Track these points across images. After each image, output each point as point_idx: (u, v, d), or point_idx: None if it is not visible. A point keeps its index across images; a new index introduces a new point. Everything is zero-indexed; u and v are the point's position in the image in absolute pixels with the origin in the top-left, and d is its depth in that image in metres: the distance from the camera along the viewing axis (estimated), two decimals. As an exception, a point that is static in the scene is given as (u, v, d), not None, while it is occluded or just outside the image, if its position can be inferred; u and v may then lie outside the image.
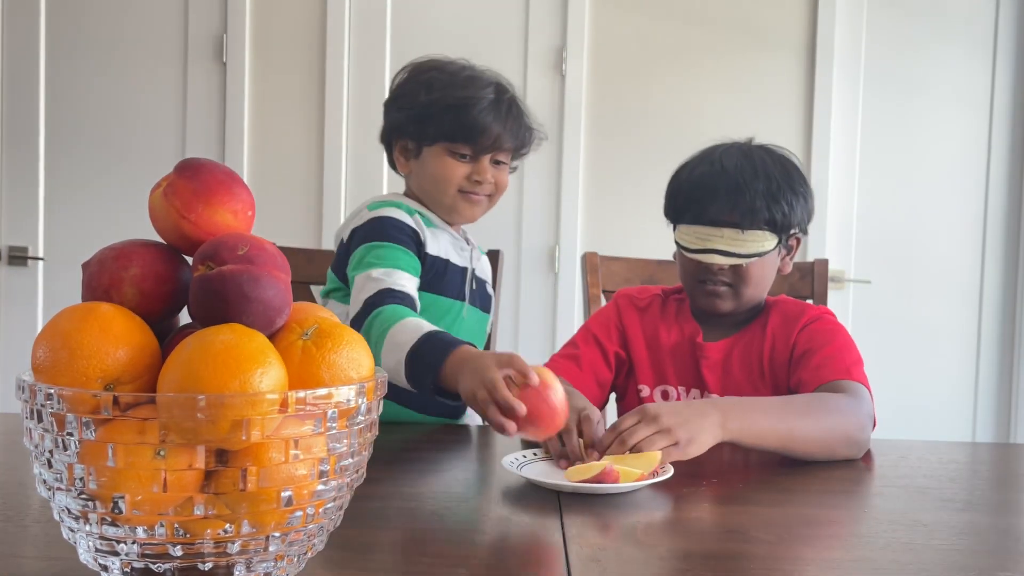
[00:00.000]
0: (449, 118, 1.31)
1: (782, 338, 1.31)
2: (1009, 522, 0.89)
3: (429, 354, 1.03)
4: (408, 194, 1.43)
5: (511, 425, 0.90)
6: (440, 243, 1.36)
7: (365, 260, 1.26)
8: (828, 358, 1.23)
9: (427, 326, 1.08)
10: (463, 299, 1.39)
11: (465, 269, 1.40)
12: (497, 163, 1.37)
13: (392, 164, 1.43)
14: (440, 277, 1.35)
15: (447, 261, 1.37)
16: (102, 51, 2.66)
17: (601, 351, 1.36)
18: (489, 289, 1.49)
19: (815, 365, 1.23)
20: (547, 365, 1.35)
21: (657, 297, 1.40)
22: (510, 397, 0.90)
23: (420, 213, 1.36)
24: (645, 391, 1.35)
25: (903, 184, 2.66)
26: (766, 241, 1.24)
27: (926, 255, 2.66)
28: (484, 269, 1.49)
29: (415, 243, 1.31)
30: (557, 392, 0.91)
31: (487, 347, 1.65)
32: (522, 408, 0.89)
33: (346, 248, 1.32)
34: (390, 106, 1.39)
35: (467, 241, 1.44)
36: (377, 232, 1.29)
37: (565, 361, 1.35)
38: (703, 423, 1.02)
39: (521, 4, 2.61)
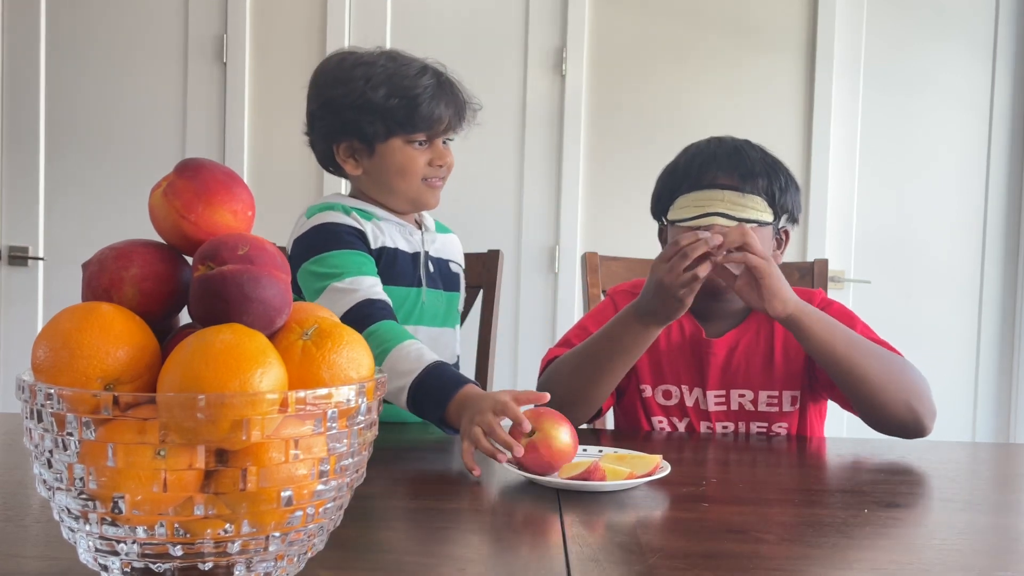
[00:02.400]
0: (401, 111, 1.31)
1: None
2: (1009, 522, 0.89)
3: (435, 390, 1.10)
4: (355, 194, 1.42)
5: (502, 456, 0.97)
6: (385, 234, 1.36)
7: (321, 271, 1.25)
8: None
9: (428, 355, 1.14)
10: (419, 284, 1.38)
11: (416, 254, 1.40)
12: (444, 142, 1.39)
13: (329, 168, 1.41)
14: (391, 267, 1.35)
15: (396, 250, 1.37)
16: (102, 51, 2.67)
17: None
18: (454, 267, 1.47)
19: None
20: (545, 359, 1.35)
21: None
22: (507, 439, 0.96)
23: (358, 209, 1.36)
24: (647, 391, 1.35)
25: (903, 184, 2.66)
26: (764, 211, 1.25)
27: (926, 255, 2.66)
28: (446, 248, 1.47)
29: (362, 241, 1.31)
30: (555, 440, 0.94)
31: (486, 346, 1.65)
32: (519, 449, 0.95)
33: (292, 260, 1.31)
34: (323, 111, 1.35)
35: (418, 225, 1.43)
36: (323, 240, 1.28)
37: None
38: (786, 286, 1.13)
39: (521, 4, 2.62)
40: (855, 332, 1.20)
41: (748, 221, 1.23)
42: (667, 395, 1.34)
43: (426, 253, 1.41)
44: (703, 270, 1.12)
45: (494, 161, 2.63)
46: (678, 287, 1.13)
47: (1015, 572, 0.70)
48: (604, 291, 1.69)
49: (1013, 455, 1.31)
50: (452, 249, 1.49)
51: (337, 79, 1.35)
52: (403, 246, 1.38)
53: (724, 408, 1.32)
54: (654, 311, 1.18)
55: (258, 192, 0.80)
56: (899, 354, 1.25)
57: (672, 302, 1.15)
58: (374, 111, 1.31)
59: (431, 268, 1.41)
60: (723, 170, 1.25)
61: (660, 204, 1.34)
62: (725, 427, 1.32)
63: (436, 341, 1.39)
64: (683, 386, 1.33)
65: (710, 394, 1.32)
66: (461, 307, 1.49)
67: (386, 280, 1.33)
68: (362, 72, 1.33)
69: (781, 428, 1.31)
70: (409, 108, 1.31)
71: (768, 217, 1.25)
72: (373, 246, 1.32)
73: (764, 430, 1.31)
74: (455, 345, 1.46)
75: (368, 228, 1.33)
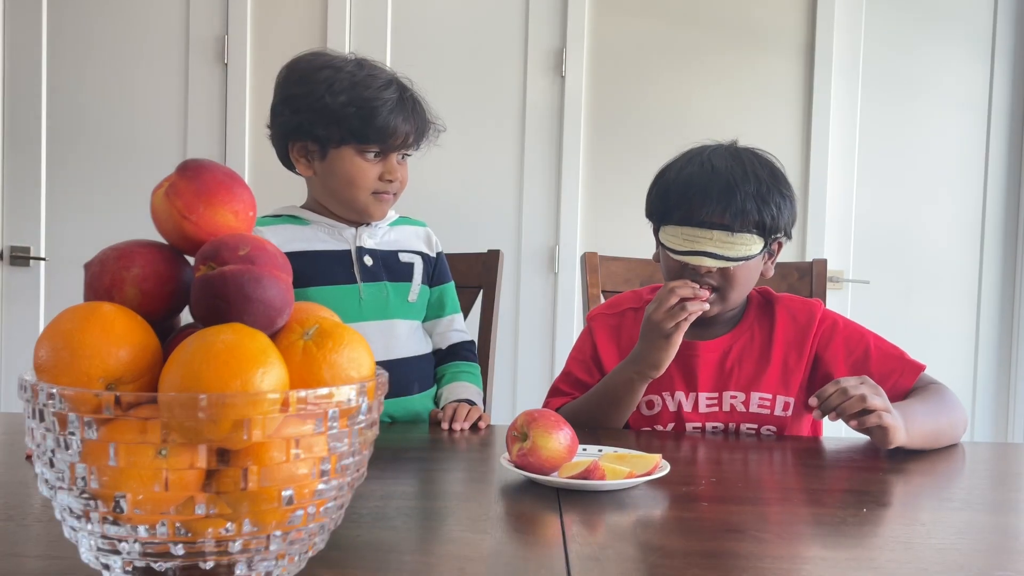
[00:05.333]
0: (357, 121, 1.31)
1: (794, 338, 1.33)
2: (1007, 521, 0.89)
3: None
4: (308, 199, 1.43)
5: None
6: (306, 237, 1.38)
7: None
8: (889, 358, 1.30)
9: None
10: (353, 281, 1.38)
11: (347, 251, 1.39)
12: (401, 157, 1.39)
13: (287, 165, 1.42)
14: (316, 268, 1.35)
15: (319, 251, 1.37)
16: (103, 52, 2.67)
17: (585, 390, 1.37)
18: (406, 257, 1.45)
19: (881, 376, 1.27)
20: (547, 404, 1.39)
21: (630, 310, 1.41)
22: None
23: (275, 216, 1.40)
24: None
25: (902, 185, 2.66)
26: (754, 244, 1.24)
27: (924, 255, 2.67)
28: (398, 240, 1.46)
29: None
30: (543, 449, 0.94)
31: (486, 346, 1.65)
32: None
33: None
34: (283, 107, 1.36)
35: (355, 222, 1.41)
36: None
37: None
38: (902, 427, 1.12)
39: (521, 5, 2.62)
40: (931, 410, 1.21)
41: (737, 259, 1.23)
42: (650, 405, 1.35)
43: (359, 248, 1.40)
44: (694, 305, 1.20)
45: (494, 161, 2.63)
46: (667, 320, 1.20)
47: (1013, 571, 0.71)
48: (604, 291, 1.70)
49: (1011, 454, 1.32)
50: (406, 240, 1.47)
51: (302, 78, 1.34)
52: (331, 246, 1.39)
53: (716, 409, 1.33)
54: (644, 355, 1.24)
55: (259, 192, 0.80)
56: (921, 367, 1.29)
57: (660, 341, 1.22)
58: (330, 116, 1.31)
59: (368, 262, 1.40)
60: (714, 208, 1.23)
61: (653, 214, 1.34)
62: (715, 427, 1.33)
63: (386, 335, 1.38)
64: (664, 393, 1.34)
65: (702, 396, 1.33)
66: (413, 297, 1.44)
67: (317, 281, 1.34)
68: (327, 75, 1.32)
69: (769, 431, 1.32)
70: (365, 118, 1.31)
71: (757, 248, 1.25)
72: (287, 250, 1.33)
73: (753, 431, 1.32)
74: (419, 337, 1.45)
75: (271, 238, 1.33)
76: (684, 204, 1.26)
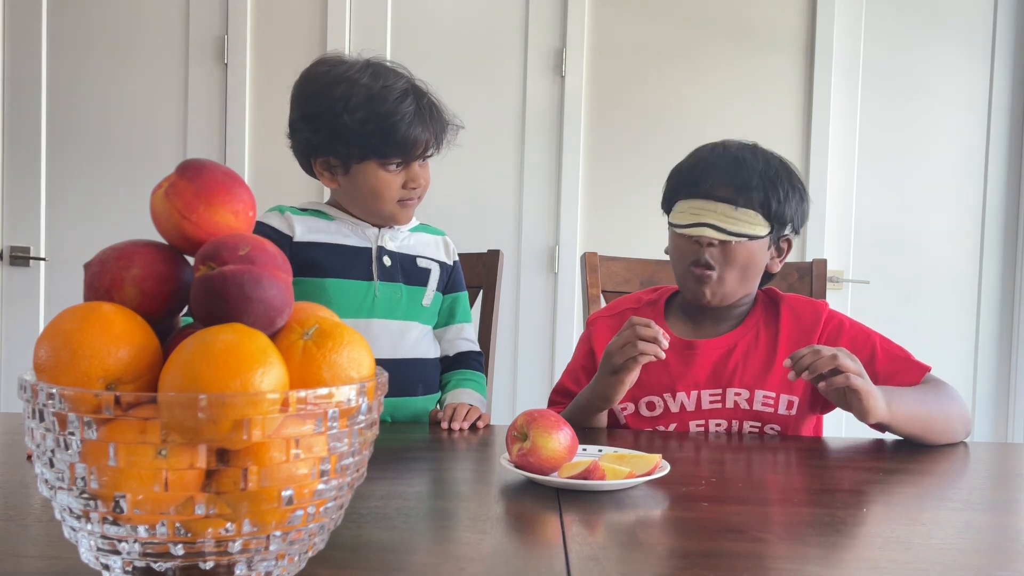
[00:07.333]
0: (377, 138, 1.32)
1: (799, 337, 1.34)
2: (1007, 521, 0.89)
3: None
4: (332, 202, 1.45)
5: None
6: (331, 231, 1.39)
7: None
8: (895, 359, 1.30)
9: None
10: (370, 278, 1.39)
11: (368, 249, 1.41)
12: (423, 160, 1.40)
13: (311, 175, 1.43)
14: (338, 261, 1.37)
15: (340, 245, 1.39)
16: (104, 52, 2.67)
17: None
18: (423, 263, 1.47)
19: (886, 376, 1.28)
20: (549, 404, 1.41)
21: (629, 310, 1.42)
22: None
23: (302, 208, 1.42)
24: (629, 408, 1.35)
25: (902, 184, 2.66)
26: (758, 225, 1.26)
27: (924, 255, 2.67)
28: (418, 245, 1.47)
29: (274, 240, 1.35)
30: (543, 449, 0.94)
31: (486, 346, 1.65)
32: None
33: None
34: (302, 124, 1.37)
35: (377, 225, 1.43)
36: None
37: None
38: (880, 397, 1.13)
39: (521, 4, 2.62)
40: (922, 397, 1.22)
41: (739, 235, 1.25)
42: (651, 406, 1.35)
43: (379, 248, 1.41)
44: (648, 347, 1.16)
45: (494, 161, 2.63)
46: (619, 356, 1.18)
47: (1013, 571, 0.71)
48: (604, 292, 1.70)
49: (1011, 454, 1.32)
50: (424, 247, 1.49)
51: (319, 93, 1.35)
52: (352, 241, 1.40)
53: (719, 406, 1.33)
54: (596, 385, 1.25)
55: (259, 192, 0.80)
56: (927, 368, 1.30)
57: (609, 377, 1.21)
58: (350, 135, 1.32)
59: (387, 262, 1.41)
60: (720, 181, 1.27)
61: (665, 199, 1.37)
62: (719, 424, 1.33)
63: (395, 335, 1.39)
64: (666, 395, 1.34)
65: (704, 392, 1.33)
66: (427, 301, 1.45)
67: (335, 273, 1.36)
68: (343, 91, 1.32)
69: (773, 429, 1.32)
70: (384, 135, 1.32)
71: (762, 231, 1.27)
72: (300, 239, 1.36)
73: (756, 429, 1.32)
74: (428, 341, 1.45)
75: (298, 227, 1.37)
76: (693, 178, 1.29)
